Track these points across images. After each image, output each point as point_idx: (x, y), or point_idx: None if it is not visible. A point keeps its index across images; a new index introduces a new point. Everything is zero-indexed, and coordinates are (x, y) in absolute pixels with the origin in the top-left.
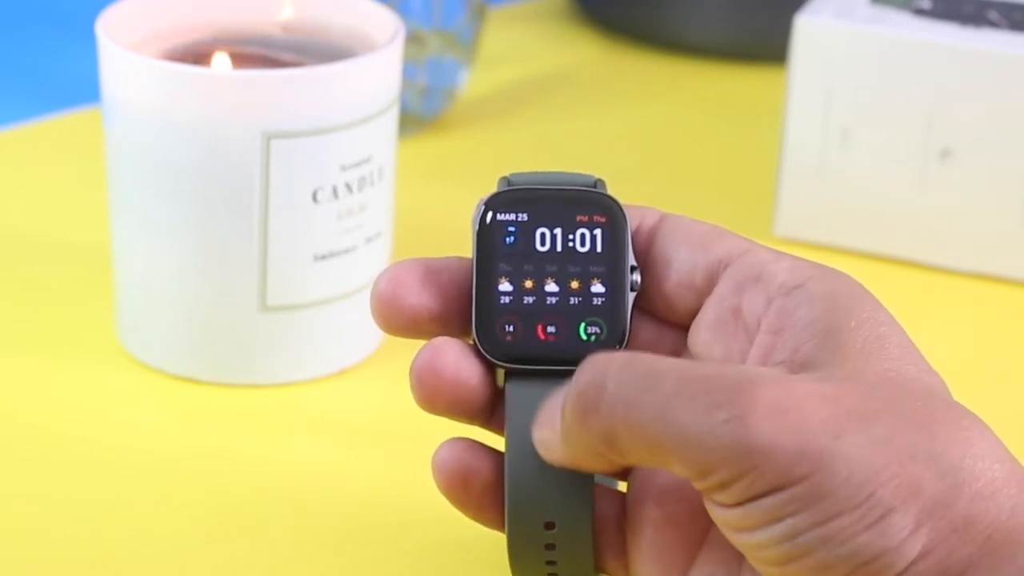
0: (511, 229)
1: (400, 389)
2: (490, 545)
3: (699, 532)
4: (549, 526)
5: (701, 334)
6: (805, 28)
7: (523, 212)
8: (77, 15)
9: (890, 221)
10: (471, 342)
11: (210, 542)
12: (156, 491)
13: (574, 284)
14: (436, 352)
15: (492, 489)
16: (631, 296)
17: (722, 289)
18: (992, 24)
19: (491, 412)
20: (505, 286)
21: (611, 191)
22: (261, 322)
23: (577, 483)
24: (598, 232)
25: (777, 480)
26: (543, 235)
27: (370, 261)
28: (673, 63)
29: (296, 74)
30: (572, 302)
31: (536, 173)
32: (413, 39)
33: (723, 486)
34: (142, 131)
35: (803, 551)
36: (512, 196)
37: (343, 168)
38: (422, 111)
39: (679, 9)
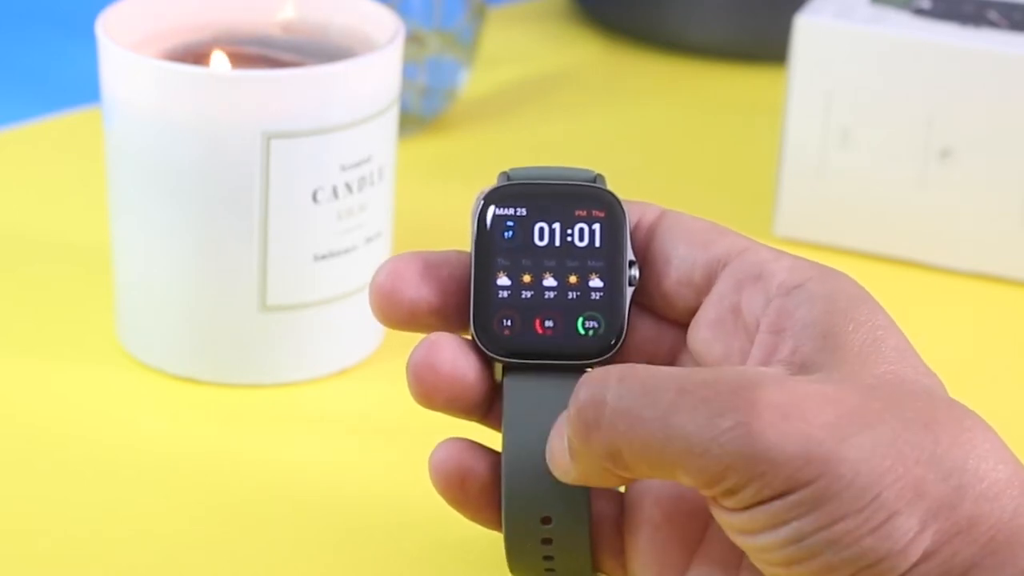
0: (510, 224)
1: (400, 389)
2: (490, 545)
3: (697, 532)
4: (546, 520)
5: (700, 332)
6: (805, 28)
7: (522, 207)
8: (77, 15)
9: (890, 221)
10: (469, 336)
11: (210, 542)
12: (156, 491)
13: (572, 279)
14: (433, 347)
15: (489, 489)
16: (629, 291)
17: (721, 287)
18: (992, 24)
19: (489, 407)
20: (503, 280)
21: (611, 191)
22: (261, 322)
23: None
24: (597, 227)
25: (783, 485)
26: (542, 230)
27: (370, 261)
28: (673, 63)
29: (296, 74)
30: (570, 297)
31: (536, 168)
32: (413, 39)
33: (730, 493)
34: (142, 131)
35: (808, 553)
36: (511, 190)
37: (343, 168)
38: (422, 111)
39: (679, 9)
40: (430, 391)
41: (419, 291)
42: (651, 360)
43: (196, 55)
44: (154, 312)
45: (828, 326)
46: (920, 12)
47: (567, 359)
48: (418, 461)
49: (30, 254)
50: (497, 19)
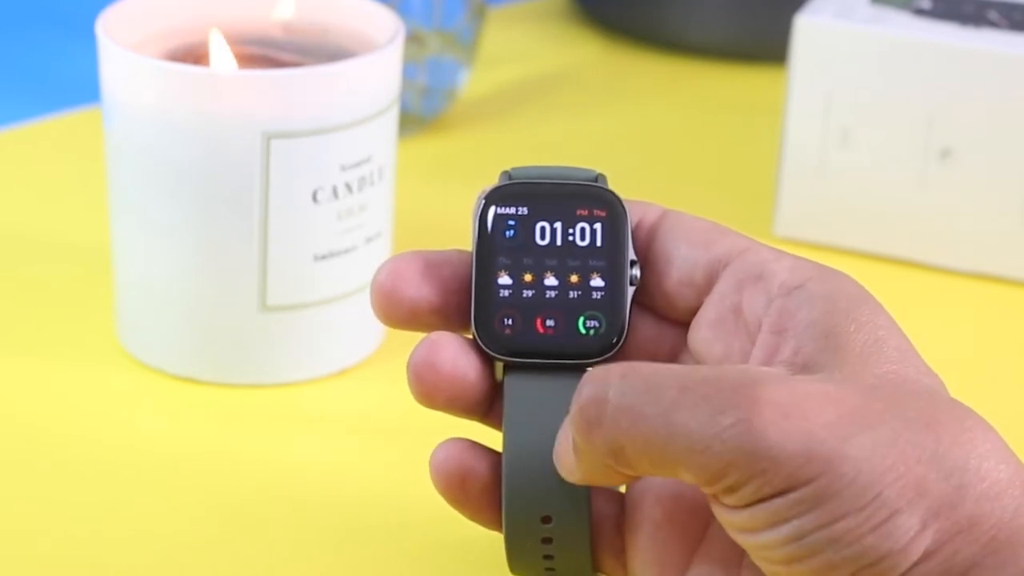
0: (511, 223)
1: (400, 389)
2: (490, 545)
3: (697, 531)
4: (546, 520)
5: (701, 332)
6: (805, 28)
7: (523, 206)
8: (77, 15)
9: (890, 221)
10: (470, 335)
11: (210, 542)
12: (156, 491)
13: (573, 278)
14: (433, 347)
15: (490, 489)
16: (630, 290)
17: (722, 287)
18: (992, 24)
19: (489, 406)
20: (504, 279)
21: (612, 190)
22: (261, 322)
23: None
24: (598, 226)
25: (784, 483)
26: (543, 229)
27: (370, 261)
28: (673, 63)
29: (296, 74)
30: (571, 296)
31: (537, 167)
32: (413, 39)
33: (731, 490)
34: (142, 131)
35: (809, 552)
36: (512, 190)
37: (343, 168)
38: (422, 111)
39: (679, 9)
40: (431, 390)
41: (420, 290)
42: (652, 360)
43: (196, 55)
44: (154, 312)
45: (829, 326)
46: (920, 12)
47: (568, 358)
48: (418, 461)
49: (30, 254)
50: (497, 19)
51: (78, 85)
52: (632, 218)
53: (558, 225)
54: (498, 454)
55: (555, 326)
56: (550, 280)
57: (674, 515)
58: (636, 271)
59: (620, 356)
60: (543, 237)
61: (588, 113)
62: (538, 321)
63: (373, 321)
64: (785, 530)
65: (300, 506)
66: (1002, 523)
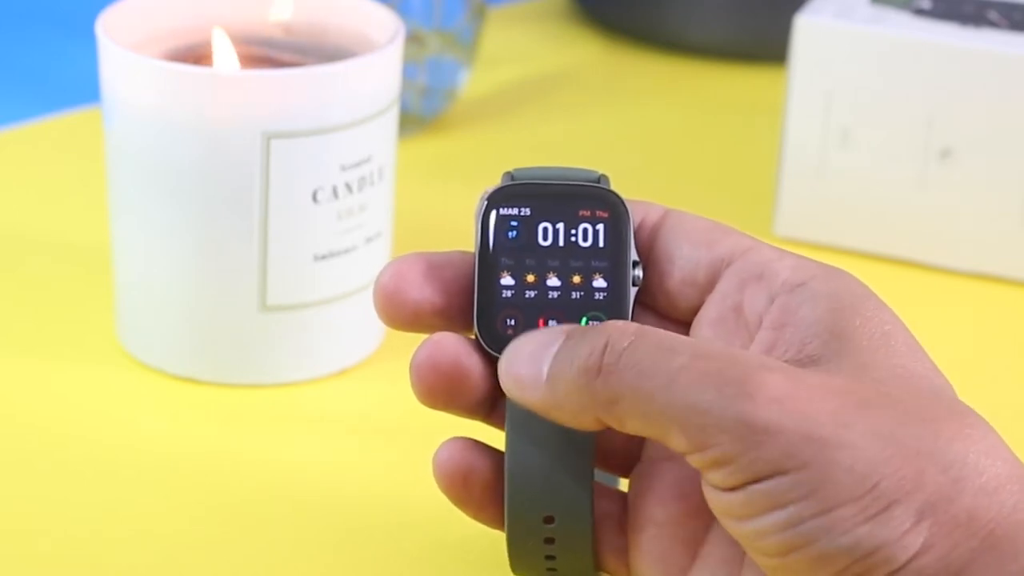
0: (514, 223)
1: (400, 389)
2: (490, 544)
3: (700, 531)
4: (548, 520)
5: (703, 331)
6: (805, 28)
7: (526, 206)
8: (77, 15)
9: (890, 221)
10: (473, 336)
11: (210, 542)
12: (156, 491)
13: (576, 279)
14: (436, 347)
15: (492, 488)
16: (633, 291)
17: (724, 286)
18: (992, 24)
19: (492, 407)
20: (507, 280)
21: (615, 191)
22: (261, 322)
23: (577, 476)
24: (600, 227)
25: (780, 462)
26: (545, 230)
27: (370, 261)
28: (673, 63)
29: (296, 74)
30: (574, 296)
31: (539, 168)
32: (413, 39)
33: (722, 463)
34: (142, 131)
35: (804, 540)
36: (515, 190)
37: (343, 168)
38: (422, 111)
39: (679, 9)
40: (433, 391)
41: (423, 292)
42: None
43: (196, 55)
44: (154, 312)
45: (834, 323)
46: (920, 12)
47: None
48: (418, 461)
49: (30, 254)
50: (497, 19)
51: (78, 85)
52: (634, 218)
53: (561, 226)
54: (501, 453)
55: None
56: (553, 281)
57: (676, 515)
58: (639, 272)
59: None
60: (546, 238)
61: (588, 113)
62: (541, 321)
63: (373, 321)
64: (781, 516)
65: (300, 506)
66: (1000, 518)
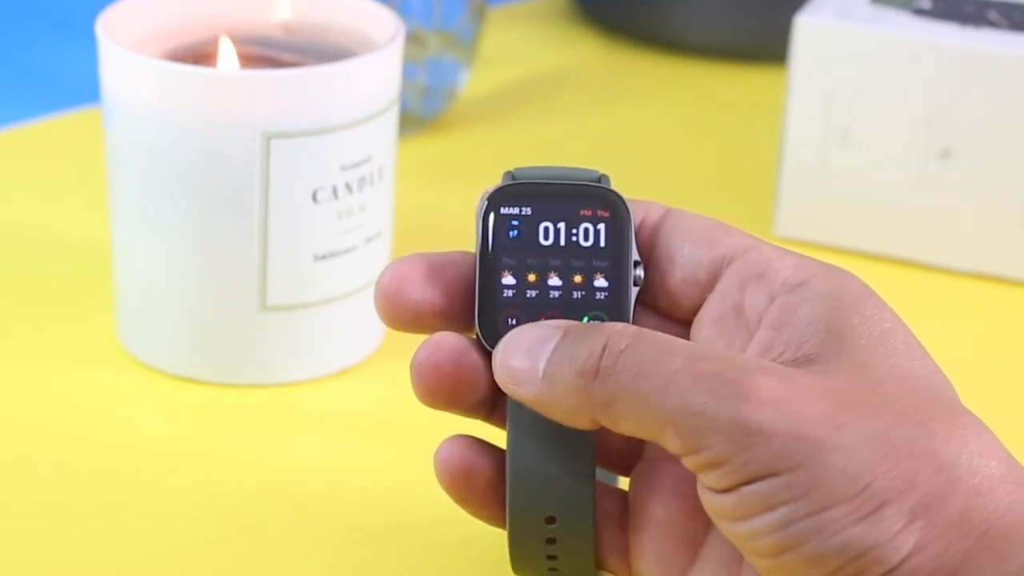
0: (514, 223)
1: (400, 389)
2: (490, 544)
3: (701, 531)
4: (550, 520)
5: (703, 330)
6: (805, 28)
7: (527, 206)
8: (77, 15)
9: (890, 221)
10: (474, 336)
11: (210, 542)
12: (156, 491)
13: (577, 278)
14: (437, 347)
15: (494, 486)
16: (634, 291)
17: (725, 285)
18: (992, 24)
19: (493, 406)
20: (508, 279)
21: (616, 191)
22: (261, 322)
23: (579, 477)
24: (601, 227)
25: (772, 464)
26: (546, 229)
27: (370, 261)
28: (673, 63)
29: (296, 74)
30: (575, 296)
31: (540, 168)
32: (413, 39)
33: (715, 464)
34: (142, 131)
35: (796, 541)
36: (516, 190)
37: (343, 168)
38: (422, 111)
39: (679, 9)
40: (434, 390)
41: (424, 293)
42: None
43: (196, 55)
44: (154, 312)
45: (832, 322)
46: (920, 12)
47: None
48: (418, 461)
49: (30, 254)
50: (497, 19)
51: (78, 85)
52: (635, 217)
53: (562, 225)
54: (502, 451)
55: None
56: (554, 280)
57: (677, 515)
58: (640, 271)
59: None
60: (547, 237)
61: (588, 113)
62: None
63: (373, 321)
64: (773, 517)
65: (300, 506)
66: (994, 518)
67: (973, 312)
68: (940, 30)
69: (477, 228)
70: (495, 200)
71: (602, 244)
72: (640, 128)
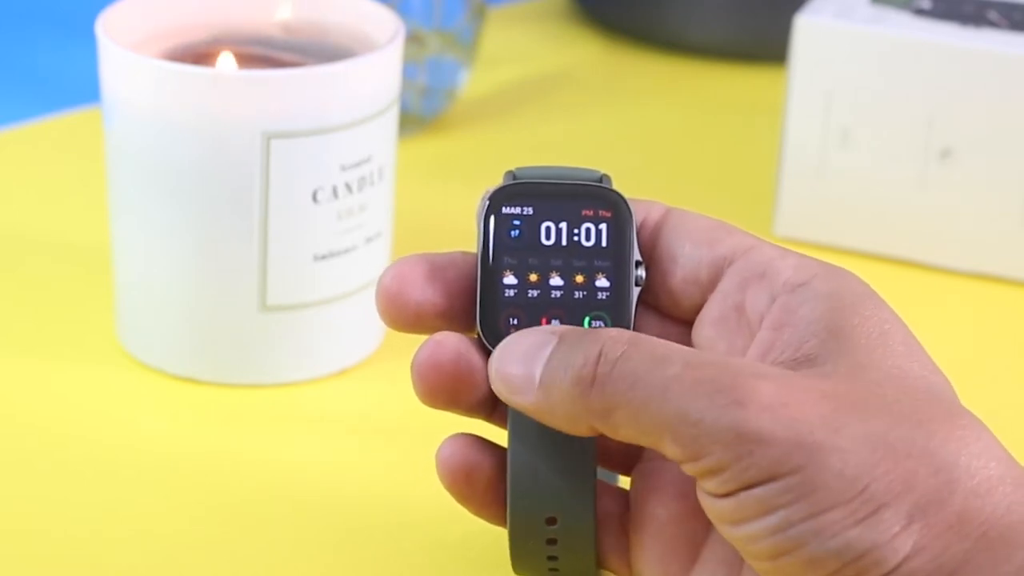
0: (516, 223)
1: (400, 389)
2: (490, 544)
3: (702, 531)
4: (551, 521)
5: (704, 330)
6: (805, 28)
7: (528, 206)
8: (77, 15)
9: (890, 221)
10: (475, 336)
11: (210, 542)
12: (156, 491)
13: (579, 278)
14: (438, 347)
15: (495, 485)
16: (635, 291)
17: (726, 285)
18: (992, 24)
19: (493, 406)
20: (509, 279)
21: (617, 191)
22: (261, 322)
23: (580, 478)
24: (603, 227)
25: (771, 469)
26: (548, 229)
27: (370, 261)
28: (673, 63)
29: (296, 74)
30: (576, 296)
31: (541, 167)
32: (413, 39)
33: (715, 471)
34: (142, 131)
35: (795, 543)
36: (517, 190)
37: (343, 168)
38: (422, 111)
39: (679, 9)
40: (435, 390)
41: (425, 293)
42: None
43: (196, 55)
44: (154, 312)
45: (833, 322)
46: (920, 12)
47: None
48: (418, 461)
49: (30, 254)
50: (497, 19)
51: (78, 85)
52: (636, 217)
53: (563, 225)
54: (503, 449)
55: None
56: (555, 280)
57: (678, 515)
58: (641, 272)
59: None
60: (548, 237)
61: (588, 113)
62: (543, 321)
63: (373, 321)
64: (771, 520)
65: (300, 506)
66: (993, 519)
67: (973, 312)
68: (940, 30)
69: (479, 228)
70: (496, 200)
71: (604, 244)
72: (640, 128)
